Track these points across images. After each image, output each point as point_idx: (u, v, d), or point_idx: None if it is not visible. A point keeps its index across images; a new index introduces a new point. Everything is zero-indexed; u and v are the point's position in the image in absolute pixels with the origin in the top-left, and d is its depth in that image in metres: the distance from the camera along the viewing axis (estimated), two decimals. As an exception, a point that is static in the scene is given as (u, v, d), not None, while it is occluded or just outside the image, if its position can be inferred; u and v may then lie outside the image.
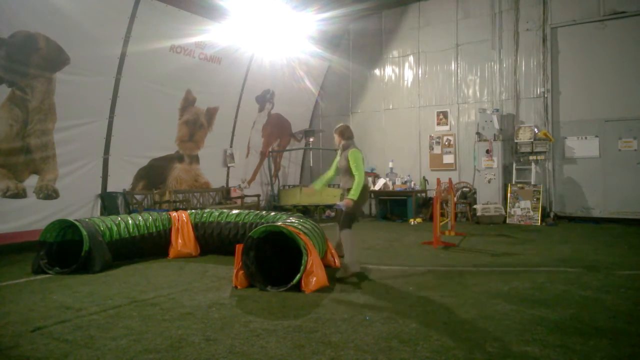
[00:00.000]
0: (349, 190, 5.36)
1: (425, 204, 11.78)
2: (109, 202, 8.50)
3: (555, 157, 10.86)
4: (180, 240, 6.80)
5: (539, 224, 10.08)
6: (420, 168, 12.48)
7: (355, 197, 5.22)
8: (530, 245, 7.39)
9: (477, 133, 11.29)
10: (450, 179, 9.89)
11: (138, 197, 9.22)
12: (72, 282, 5.21)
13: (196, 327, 3.59)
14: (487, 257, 6.48)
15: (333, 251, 5.89)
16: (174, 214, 7.04)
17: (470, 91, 11.92)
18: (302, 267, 4.60)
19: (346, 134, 5.59)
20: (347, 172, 5.41)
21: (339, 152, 5.67)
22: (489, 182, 10.86)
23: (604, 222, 10.05)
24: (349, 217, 5.37)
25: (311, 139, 13.43)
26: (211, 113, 10.87)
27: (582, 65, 10.56)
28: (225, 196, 11.52)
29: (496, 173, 10.80)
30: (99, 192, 8.49)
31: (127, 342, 3.27)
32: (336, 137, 5.66)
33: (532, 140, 10.61)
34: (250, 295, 4.53)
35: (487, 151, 10.87)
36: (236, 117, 11.61)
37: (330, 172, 5.84)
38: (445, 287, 4.75)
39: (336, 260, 5.80)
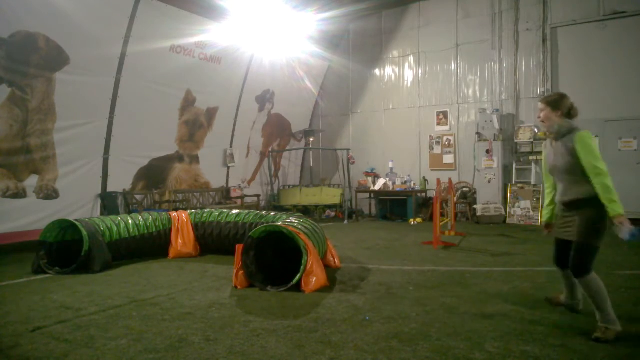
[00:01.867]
0: (572, 203, 3.35)
1: (425, 204, 11.78)
2: (109, 202, 8.50)
3: (555, 157, 10.84)
4: (180, 240, 6.80)
5: (539, 224, 10.08)
6: (420, 168, 12.47)
7: (618, 211, 3.09)
8: (530, 245, 7.39)
9: (477, 133, 11.29)
10: (450, 179, 9.88)
11: (138, 197, 9.22)
12: (72, 282, 5.21)
13: (196, 327, 3.59)
14: (487, 257, 6.48)
15: (333, 251, 5.89)
16: (174, 214, 7.04)
17: (470, 91, 11.91)
18: (302, 267, 4.60)
19: (563, 106, 3.40)
20: (571, 174, 3.30)
21: (547, 143, 3.63)
22: (489, 182, 10.86)
23: (604, 222, 10.03)
24: (593, 249, 3.27)
25: (311, 139, 13.43)
26: (211, 113, 10.87)
27: (582, 65, 10.55)
28: (225, 196, 11.52)
29: (496, 173, 10.80)
30: (99, 192, 8.49)
31: (127, 342, 3.27)
32: (544, 114, 3.46)
33: (532, 140, 10.61)
34: (250, 295, 4.53)
35: (487, 151, 10.87)
36: (236, 117, 11.61)
37: (549, 187, 3.74)
38: (445, 287, 4.74)
39: (336, 260, 5.80)
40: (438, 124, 12.34)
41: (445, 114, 12.22)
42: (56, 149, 7.74)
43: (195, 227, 6.93)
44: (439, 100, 12.32)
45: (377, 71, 13.31)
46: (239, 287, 4.76)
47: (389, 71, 13.13)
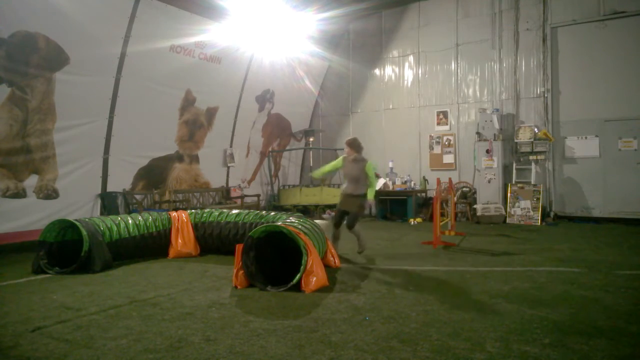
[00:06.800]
0: (357, 195, 6.27)
1: (425, 204, 11.78)
2: (109, 202, 8.50)
3: (555, 157, 10.86)
4: (180, 240, 6.80)
5: (539, 223, 10.08)
6: (420, 168, 12.47)
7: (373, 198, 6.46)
8: (530, 245, 7.39)
9: (477, 133, 11.29)
10: (450, 179, 9.88)
11: (138, 197, 9.21)
12: (72, 282, 5.21)
13: (196, 327, 3.59)
14: (487, 257, 6.48)
15: (333, 251, 5.89)
16: (174, 214, 7.04)
17: (470, 91, 11.91)
18: (302, 267, 4.60)
19: (355, 145, 6.34)
20: (359, 180, 6.23)
21: (346, 159, 6.37)
22: (489, 182, 10.86)
23: (604, 222, 10.04)
24: (357, 217, 6.37)
25: (311, 139, 13.43)
26: (211, 113, 10.87)
27: (582, 65, 10.55)
28: (225, 196, 11.52)
29: (496, 173, 10.80)
30: (99, 192, 8.49)
31: (127, 342, 3.27)
32: (347, 149, 6.38)
33: (532, 140, 10.61)
34: (250, 295, 4.53)
35: (487, 151, 10.86)
36: (236, 117, 11.61)
37: (327, 168, 6.74)
38: (445, 287, 4.75)
39: (336, 260, 5.81)
40: (438, 123, 12.33)
41: (445, 114, 12.22)
42: (56, 148, 7.74)
43: (195, 227, 6.93)
44: (439, 100, 12.32)
45: (377, 71, 13.31)
46: (239, 287, 4.77)
47: (389, 71, 13.12)
